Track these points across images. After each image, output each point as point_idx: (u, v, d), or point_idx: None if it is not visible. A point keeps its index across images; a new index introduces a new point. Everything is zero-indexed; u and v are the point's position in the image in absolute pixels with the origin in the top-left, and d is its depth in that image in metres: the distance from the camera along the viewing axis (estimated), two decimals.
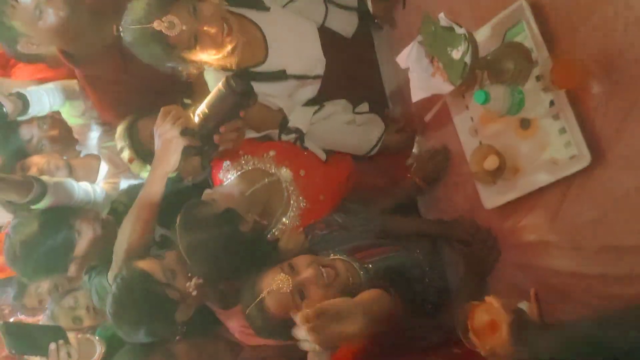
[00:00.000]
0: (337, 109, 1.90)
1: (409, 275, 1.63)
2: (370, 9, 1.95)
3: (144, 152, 1.88)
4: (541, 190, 1.51)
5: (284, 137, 1.83)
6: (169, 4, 1.53)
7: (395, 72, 1.95)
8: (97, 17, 1.87)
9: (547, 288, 1.43)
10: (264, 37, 1.74)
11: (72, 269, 1.95)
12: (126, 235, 1.65)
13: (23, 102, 2.09)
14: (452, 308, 1.63)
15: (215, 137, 1.58)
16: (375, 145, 1.93)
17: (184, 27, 1.51)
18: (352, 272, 1.52)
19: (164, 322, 1.60)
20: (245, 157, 1.72)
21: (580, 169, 1.40)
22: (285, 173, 1.72)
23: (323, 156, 1.87)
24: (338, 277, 1.46)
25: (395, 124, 1.94)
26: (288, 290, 1.40)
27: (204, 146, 1.60)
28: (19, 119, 2.22)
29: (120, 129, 1.92)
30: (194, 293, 1.58)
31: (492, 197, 1.62)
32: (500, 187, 1.59)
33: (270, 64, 1.75)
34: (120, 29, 1.58)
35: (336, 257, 1.56)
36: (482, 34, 1.60)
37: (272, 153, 1.74)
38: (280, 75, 1.75)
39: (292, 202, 1.71)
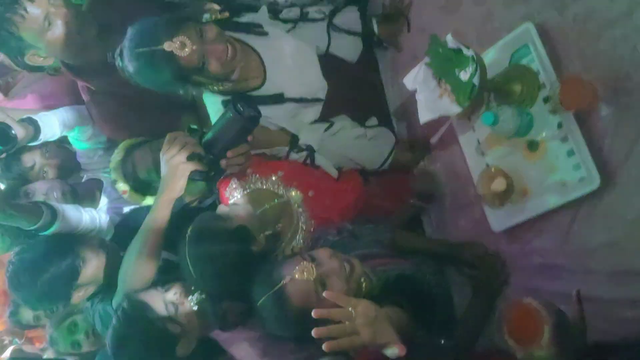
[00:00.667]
0: (346, 124, 1.90)
1: (417, 289, 1.61)
2: (376, 31, 1.96)
3: (141, 184, 1.88)
4: (550, 213, 1.50)
5: (294, 156, 1.81)
6: (177, 25, 1.53)
7: (400, 94, 1.95)
8: (105, 31, 1.88)
9: None
10: (262, 61, 1.75)
11: (76, 297, 1.92)
12: (132, 262, 1.63)
13: (34, 127, 2.08)
14: (459, 330, 1.61)
15: (222, 162, 1.57)
16: (387, 159, 1.92)
17: (194, 47, 1.51)
18: (364, 275, 1.49)
19: (165, 357, 1.58)
20: (253, 176, 1.71)
21: (590, 191, 1.39)
22: (295, 195, 1.71)
23: (335, 173, 1.86)
24: (354, 273, 1.43)
25: (408, 142, 1.94)
26: (312, 279, 1.36)
27: (211, 171, 1.59)
28: (29, 144, 2.22)
29: (114, 161, 1.92)
30: (195, 308, 1.56)
31: (500, 220, 1.60)
32: (508, 209, 1.58)
33: (268, 88, 1.75)
34: (117, 57, 1.57)
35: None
36: (488, 56, 1.60)
37: (280, 174, 1.73)
38: (278, 99, 1.75)
39: (300, 223, 1.70)
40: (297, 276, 1.36)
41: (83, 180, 2.46)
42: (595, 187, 1.38)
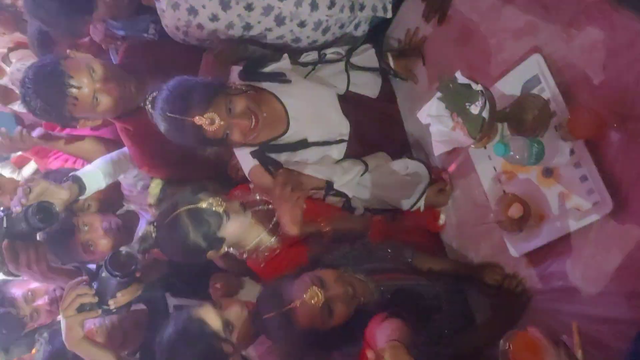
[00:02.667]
0: (381, 161, 1.94)
1: (426, 304, 1.67)
2: (392, 66, 2.04)
3: None
4: (567, 237, 1.54)
5: (331, 199, 1.87)
6: (210, 100, 1.62)
7: (419, 126, 2.01)
8: (140, 80, 2.01)
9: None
10: (285, 109, 1.83)
11: None
12: None
13: (79, 186, 2.08)
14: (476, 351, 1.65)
15: (110, 303, 1.67)
16: (420, 198, 1.89)
17: (221, 123, 1.62)
18: (364, 292, 1.58)
19: None
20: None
21: (603, 215, 1.43)
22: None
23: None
24: (356, 296, 1.54)
25: (439, 183, 1.91)
26: (320, 305, 1.47)
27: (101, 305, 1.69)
28: None
29: (155, 187, 2.03)
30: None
31: (518, 245, 1.64)
32: (526, 234, 1.62)
33: (292, 135, 1.83)
34: (149, 103, 1.69)
35: (353, 274, 1.62)
36: (500, 87, 1.67)
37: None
38: (302, 145, 1.83)
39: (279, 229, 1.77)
40: (307, 300, 1.46)
41: (123, 210, 2.52)
42: (608, 211, 1.42)
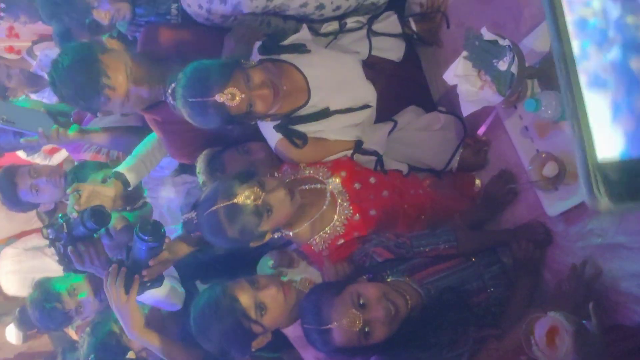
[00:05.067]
0: (412, 116, 1.91)
1: (469, 288, 1.65)
2: (415, 30, 2.00)
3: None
4: None
5: (360, 158, 1.85)
6: (227, 76, 1.61)
7: (445, 90, 1.98)
8: (161, 67, 2.00)
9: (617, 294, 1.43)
10: (306, 79, 1.81)
11: None
12: None
13: (122, 180, 2.10)
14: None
15: (144, 273, 1.71)
16: (454, 156, 1.88)
17: (242, 96, 1.60)
18: (411, 294, 1.56)
19: (239, 349, 1.67)
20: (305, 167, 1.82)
21: None
22: (333, 182, 1.77)
23: (405, 168, 1.89)
24: (399, 314, 1.50)
25: (476, 143, 1.89)
26: (357, 329, 1.45)
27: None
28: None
29: (202, 163, 2.02)
30: None
31: (555, 204, 1.60)
32: (562, 192, 1.57)
33: (313, 105, 1.81)
34: (169, 96, 1.69)
35: (396, 279, 1.61)
36: (528, 43, 1.61)
37: (343, 174, 1.79)
38: (325, 113, 1.81)
39: (338, 210, 1.75)
40: (344, 325, 1.45)
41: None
42: None
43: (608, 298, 1.47)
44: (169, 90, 1.68)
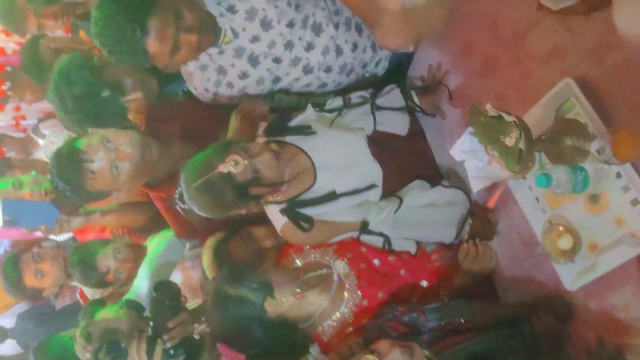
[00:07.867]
0: (416, 192, 1.88)
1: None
2: (418, 103, 2.01)
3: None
4: (625, 265, 1.45)
5: (367, 238, 1.84)
6: (225, 148, 1.63)
7: (452, 161, 1.96)
8: (165, 146, 2.01)
9: None
10: (312, 162, 1.81)
11: None
12: None
13: (136, 307, 2.06)
14: None
15: (165, 337, 1.67)
16: (462, 229, 1.85)
17: (245, 162, 1.60)
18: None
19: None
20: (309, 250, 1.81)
21: None
22: (339, 265, 1.75)
23: (413, 248, 1.86)
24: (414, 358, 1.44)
25: (484, 213, 1.85)
26: None
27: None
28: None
29: (208, 257, 1.98)
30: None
31: (573, 278, 1.56)
32: (580, 265, 1.53)
33: (320, 188, 1.80)
34: (178, 202, 1.69)
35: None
36: (532, 115, 1.61)
37: (349, 255, 1.77)
38: (331, 197, 1.80)
39: (346, 296, 1.73)
40: None
41: None
42: None
43: None
44: (177, 196, 1.67)
